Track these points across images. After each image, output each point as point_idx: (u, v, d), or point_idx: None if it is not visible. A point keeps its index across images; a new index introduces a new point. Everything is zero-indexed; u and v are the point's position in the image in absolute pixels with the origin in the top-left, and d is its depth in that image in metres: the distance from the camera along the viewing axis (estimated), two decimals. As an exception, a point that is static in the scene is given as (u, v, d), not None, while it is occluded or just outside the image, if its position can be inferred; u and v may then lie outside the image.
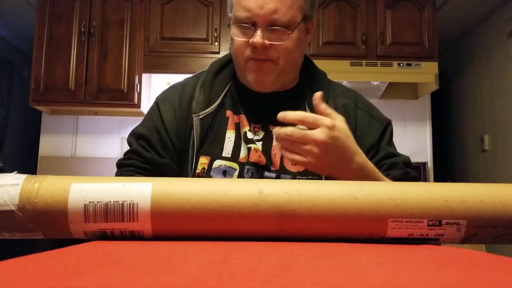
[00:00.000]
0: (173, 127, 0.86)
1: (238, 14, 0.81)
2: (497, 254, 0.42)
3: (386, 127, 0.89)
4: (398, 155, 0.87)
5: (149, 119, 0.89)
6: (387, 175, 0.80)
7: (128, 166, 0.85)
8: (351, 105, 0.89)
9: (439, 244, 0.52)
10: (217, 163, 0.83)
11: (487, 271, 0.33)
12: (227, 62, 0.92)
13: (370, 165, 0.74)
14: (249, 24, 0.80)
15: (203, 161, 0.83)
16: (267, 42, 0.79)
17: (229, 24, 0.84)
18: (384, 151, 0.85)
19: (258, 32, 0.79)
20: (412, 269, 0.34)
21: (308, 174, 0.82)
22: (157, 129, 0.86)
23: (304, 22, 0.85)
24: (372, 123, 0.88)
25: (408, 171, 0.84)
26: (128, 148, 0.89)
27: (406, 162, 0.85)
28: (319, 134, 0.67)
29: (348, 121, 0.84)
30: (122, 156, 0.89)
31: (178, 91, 0.90)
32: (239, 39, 0.82)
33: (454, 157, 3.66)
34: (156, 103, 0.90)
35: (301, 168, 0.82)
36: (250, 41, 0.80)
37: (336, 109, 0.83)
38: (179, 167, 0.86)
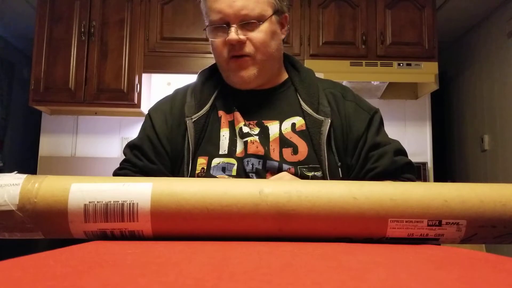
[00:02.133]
0: (164, 133, 0.89)
1: (212, 18, 0.86)
2: (497, 254, 0.42)
3: (373, 116, 0.91)
4: (387, 143, 0.88)
5: (142, 130, 0.93)
6: (376, 168, 0.84)
7: (122, 176, 0.88)
8: (339, 96, 0.92)
9: (439, 244, 0.52)
10: (215, 161, 0.84)
11: (487, 271, 0.33)
12: (215, 70, 0.96)
13: None
14: (223, 25, 0.85)
15: (202, 161, 0.85)
16: (241, 37, 0.84)
17: (204, 28, 0.89)
18: (371, 142, 0.87)
19: (232, 29, 0.84)
20: (412, 269, 0.34)
21: (309, 162, 0.84)
22: (149, 137, 0.89)
23: (277, 15, 0.89)
24: (359, 112, 0.90)
25: (395, 159, 0.85)
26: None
27: (396, 149, 0.87)
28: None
29: (338, 111, 0.89)
30: (122, 156, 0.92)
31: (168, 100, 0.94)
32: (217, 39, 0.87)
33: (454, 157, 3.66)
34: (149, 114, 0.94)
35: (301, 157, 0.84)
36: (226, 39, 0.85)
37: (326, 97, 0.90)
38: (175, 170, 0.88)
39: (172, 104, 0.92)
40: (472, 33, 3.33)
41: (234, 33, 0.84)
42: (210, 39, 0.89)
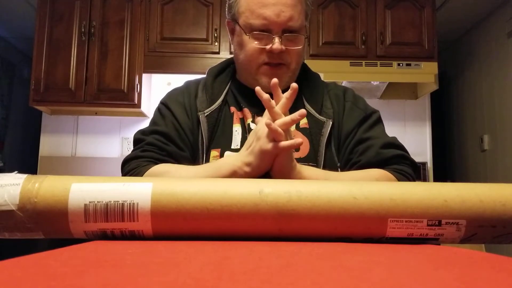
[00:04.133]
0: (186, 122, 0.88)
1: (253, 22, 0.84)
2: (497, 254, 0.43)
3: (370, 114, 0.90)
4: (377, 138, 0.85)
5: (161, 118, 0.89)
6: (359, 161, 0.82)
7: (145, 158, 0.82)
8: (341, 96, 0.93)
9: (439, 244, 0.52)
10: (227, 154, 0.85)
11: (487, 271, 0.33)
12: (224, 67, 0.96)
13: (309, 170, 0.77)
14: (264, 32, 0.83)
15: (215, 153, 0.86)
16: (283, 47, 0.83)
17: (246, 33, 0.85)
18: (358, 137, 0.86)
19: (276, 39, 0.83)
20: (412, 269, 0.34)
21: (308, 161, 0.85)
22: (174, 125, 0.87)
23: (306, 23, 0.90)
24: (353, 110, 0.90)
25: (381, 151, 0.82)
26: (135, 146, 0.87)
27: (385, 143, 0.84)
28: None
29: (338, 112, 0.90)
30: (122, 156, 0.90)
31: (182, 92, 0.93)
32: (256, 46, 0.84)
33: (454, 157, 3.66)
34: (164, 104, 0.91)
35: (302, 155, 0.85)
36: (268, 47, 0.83)
37: (330, 99, 0.91)
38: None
39: (188, 96, 0.91)
40: (472, 33, 3.33)
41: (278, 44, 0.83)
42: (244, 43, 0.86)
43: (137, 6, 2.69)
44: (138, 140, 0.86)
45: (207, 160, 0.85)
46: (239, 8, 0.86)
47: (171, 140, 0.85)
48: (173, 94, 0.94)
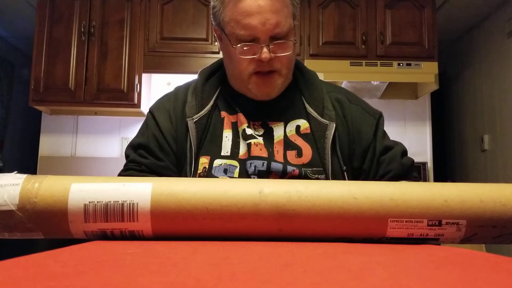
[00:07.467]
0: (170, 131, 0.87)
1: (239, 33, 0.81)
2: (497, 254, 0.42)
3: (379, 120, 0.92)
4: (394, 146, 0.90)
5: (145, 128, 0.90)
6: (388, 172, 0.86)
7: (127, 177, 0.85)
8: (345, 100, 0.92)
9: (439, 244, 0.52)
10: (217, 162, 0.84)
11: (487, 271, 0.33)
12: (216, 69, 0.94)
13: None
14: (252, 41, 0.81)
15: (204, 161, 0.84)
16: (272, 55, 0.81)
17: (233, 46, 0.83)
18: (381, 146, 0.89)
19: (265, 49, 0.81)
20: (412, 269, 0.34)
21: (313, 165, 0.84)
22: (155, 135, 0.87)
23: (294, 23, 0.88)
24: (366, 117, 0.91)
25: (403, 162, 0.88)
26: (126, 160, 0.89)
27: (402, 152, 0.90)
28: None
29: (343, 115, 0.89)
30: (122, 156, 0.90)
31: (170, 98, 0.92)
32: (245, 57, 0.82)
33: (454, 157, 3.66)
34: (151, 112, 0.92)
35: (306, 160, 0.84)
36: (257, 56, 0.81)
37: (331, 101, 0.90)
38: (179, 169, 0.87)
39: (174, 103, 0.90)
40: (472, 33, 3.33)
41: (267, 53, 0.80)
42: (232, 54, 0.84)
43: (136, 6, 2.69)
44: (126, 156, 0.89)
45: (196, 167, 0.84)
46: (224, 17, 0.84)
47: (150, 152, 0.86)
48: (160, 102, 0.93)
